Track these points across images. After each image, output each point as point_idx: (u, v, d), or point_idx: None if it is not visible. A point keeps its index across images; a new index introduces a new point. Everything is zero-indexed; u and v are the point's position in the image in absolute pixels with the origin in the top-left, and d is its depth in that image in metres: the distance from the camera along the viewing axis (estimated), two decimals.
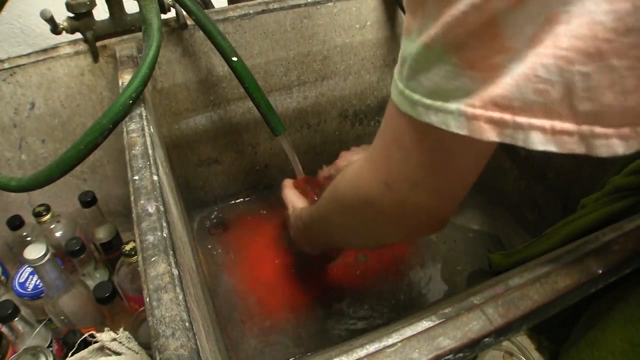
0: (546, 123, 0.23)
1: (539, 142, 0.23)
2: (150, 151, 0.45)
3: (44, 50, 0.62)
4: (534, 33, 0.22)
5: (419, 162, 0.33)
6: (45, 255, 0.52)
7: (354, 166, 0.42)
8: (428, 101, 0.27)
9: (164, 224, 0.37)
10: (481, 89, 0.24)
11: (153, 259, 0.34)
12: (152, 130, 0.49)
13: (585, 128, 0.22)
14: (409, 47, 0.28)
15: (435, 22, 0.25)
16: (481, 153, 0.32)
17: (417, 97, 0.28)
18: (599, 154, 0.23)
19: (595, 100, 0.22)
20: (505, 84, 0.23)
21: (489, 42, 0.23)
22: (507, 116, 0.24)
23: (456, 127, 0.26)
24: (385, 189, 0.36)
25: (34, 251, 0.52)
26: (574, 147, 0.23)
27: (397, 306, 0.70)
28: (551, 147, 0.23)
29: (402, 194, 0.35)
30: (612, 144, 0.22)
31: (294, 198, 0.69)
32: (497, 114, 0.24)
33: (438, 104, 0.26)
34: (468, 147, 0.31)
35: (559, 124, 0.23)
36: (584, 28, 0.20)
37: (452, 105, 0.26)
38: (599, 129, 0.22)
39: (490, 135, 0.24)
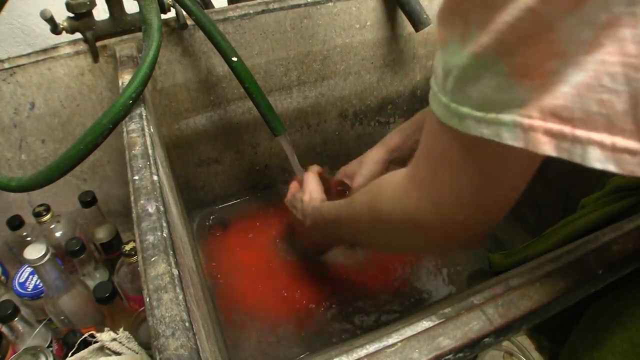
0: (607, 138, 0.21)
1: (597, 160, 0.22)
2: (150, 151, 0.45)
3: (44, 50, 0.62)
4: (593, 37, 0.20)
5: (468, 179, 0.32)
6: (45, 255, 0.52)
7: (394, 184, 0.40)
8: (479, 114, 0.26)
9: (164, 224, 0.37)
10: (537, 99, 0.23)
11: (153, 259, 0.34)
12: (152, 130, 0.49)
13: None
14: (452, 58, 0.27)
15: (483, 30, 0.24)
16: (531, 166, 0.31)
17: (465, 110, 0.26)
18: None
19: None
20: (565, 93, 0.22)
21: (544, 47, 0.22)
22: (567, 129, 0.22)
23: (511, 139, 0.24)
24: (433, 208, 0.35)
25: (34, 251, 0.52)
26: (636, 168, 0.21)
27: (397, 306, 0.70)
28: (610, 167, 0.21)
29: (451, 212, 0.34)
30: None
31: (315, 187, 0.67)
32: (556, 126, 0.22)
33: (490, 116, 0.25)
34: (519, 160, 0.29)
35: (621, 141, 0.21)
36: None
37: (506, 117, 0.24)
38: None
39: (547, 148, 0.23)
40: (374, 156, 0.72)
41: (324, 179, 0.71)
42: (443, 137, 0.31)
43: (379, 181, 0.45)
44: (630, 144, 0.21)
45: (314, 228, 0.63)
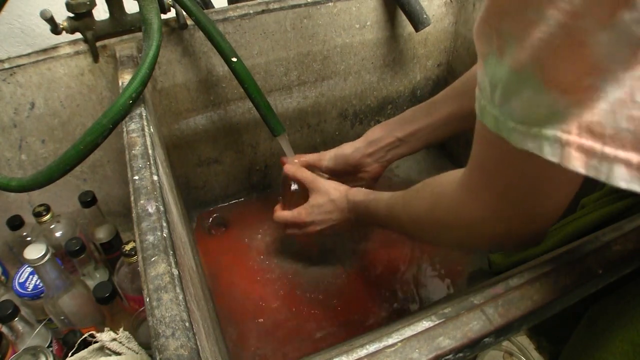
0: (633, 157, 0.21)
1: (622, 179, 0.21)
2: (150, 151, 0.45)
3: (44, 50, 0.62)
4: (630, 53, 0.20)
5: (520, 190, 0.32)
6: (45, 255, 0.52)
7: (450, 192, 0.41)
8: (523, 128, 0.26)
9: (164, 224, 0.37)
10: (577, 114, 0.23)
11: (153, 259, 0.34)
12: (152, 130, 0.49)
13: None
14: (495, 72, 0.27)
15: (519, 44, 0.24)
16: (576, 180, 0.31)
17: (512, 124, 0.27)
18: None
19: None
20: (600, 109, 0.22)
21: (579, 62, 0.22)
22: (597, 145, 0.22)
23: (550, 154, 0.24)
24: (492, 219, 0.36)
25: (34, 251, 0.52)
26: None
27: (398, 306, 0.70)
28: (635, 186, 0.21)
29: (508, 222, 0.35)
30: None
31: (329, 182, 0.67)
32: (589, 142, 0.22)
33: (534, 130, 0.25)
34: (564, 174, 0.29)
35: None
36: None
37: (549, 132, 0.24)
38: None
39: (578, 164, 0.23)
40: (353, 143, 0.71)
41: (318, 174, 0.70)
42: (497, 149, 0.31)
43: (434, 187, 0.46)
44: None
45: (360, 221, 0.63)
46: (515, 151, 0.27)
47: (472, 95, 0.31)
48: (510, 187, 0.33)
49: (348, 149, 0.71)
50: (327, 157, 0.72)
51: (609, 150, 0.22)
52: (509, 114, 0.27)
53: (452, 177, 0.42)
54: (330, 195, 0.65)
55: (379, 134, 0.69)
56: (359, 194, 0.62)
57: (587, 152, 0.22)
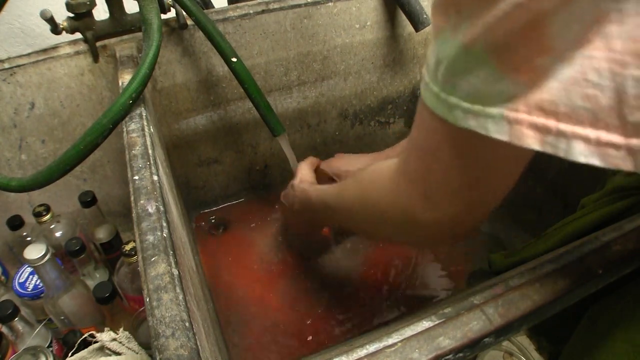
0: (591, 133, 0.21)
1: (581, 154, 0.22)
2: (150, 151, 0.45)
3: (44, 50, 0.62)
4: (582, 33, 0.20)
5: (459, 172, 0.31)
6: (45, 255, 0.52)
7: (384, 177, 0.40)
8: (466, 104, 0.26)
9: (164, 224, 0.37)
10: (525, 93, 0.23)
11: (153, 259, 0.34)
12: (152, 130, 0.49)
13: (634, 142, 0.21)
14: (443, 48, 0.26)
15: (472, 22, 0.24)
16: (521, 160, 0.31)
17: (454, 100, 0.26)
18: None
19: None
20: (552, 88, 0.22)
21: (533, 43, 0.22)
22: (551, 122, 0.22)
23: (496, 132, 0.24)
24: (424, 203, 0.34)
25: (34, 251, 0.52)
26: (619, 162, 0.21)
27: (398, 306, 0.70)
28: (594, 160, 0.22)
29: (443, 207, 0.34)
30: None
31: (306, 172, 0.68)
32: (541, 120, 0.22)
33: (477, 107, 0.25)
34: (508, 154, 0.29)
35: (605, 135, 0.21)
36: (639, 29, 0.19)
37: (494, 110, 0.24)
38: None
39: (532, 142, 0.23)
40: (369, 161, 0.72)
41: (318, 170, 0.72)
42: (435, 131, 0.30)
43: (368, 174, 0.44)
44: (614, 138, 0.21)
45: (302, 210, 0.63)
46: (456, 131, 0.27)
47: None
48: (448, 170, 0.32)
49: (368, 164, 0.73)
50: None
51: (565, 127, 0.22)
52: (453, 91, 0.26)
53: (388, 163, 0.40)
54: (294, 180, 0.67)
55: (392, 154, 0.70)
56: (313, 186, 0.63)
57: (541, 130, 0.23)
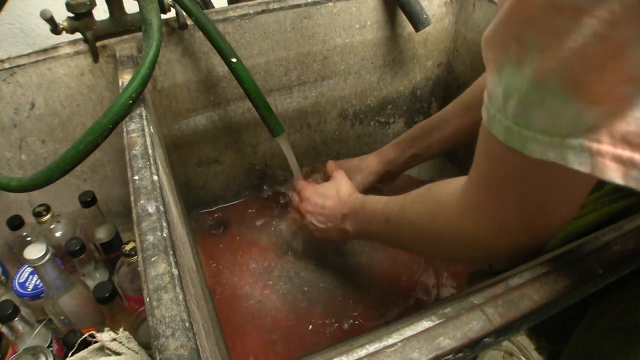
0: None
1: None
2: (150, 151, 0.45)
3: (44, 50, 0.62)
4: None
5: (531, 202, 0.31)
6: (45, 255, 0.52)
7: (452, 201, 0.39)
8: (544, 137, 0.25)
9: (164, 224, 0.37)
10: (608, 123, 0.22)
11: (153, 259, 0.34)
12: (152, 130, 0.49)
13: None
14: (513, 82, 0.26)
15: (543, 55, 0.23)
16: (588, 189, 0.31)
17: (529, 133, 0.26)
18: None
19: None
20: (635, 118, 0.21)
21: (613, 73, 0.21)
22: (637, 156, 0.21)
23: (577, 163, 0.24)
24: (498, 233, 0.35)
25: (34, 251, 0.52)
26: None
27: (398, 306, 0.70)
28: None
29: (513, 233, 0.34)
30: None
31: (347, 180, 0.67)
32: (627, 153, 0.22)
33: (556, 140, 0.24)
34: (580, 184, 0.29)
35: None
36: None
37: (574, 141, 0.23)
38: None
39: (614, 175, 0.22)
40: (370, 166, 0.74)
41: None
42: (506, 161, 0.30)
43: (435, 194, 0.44)
44: None
45: (349, 217, 0.61)
46: (528, 162, 0.27)
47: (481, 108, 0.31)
48: (518, 200, 0.32)
49: (368, 177, 0.74)
50: (356, 177, 0.75)
51: None
52: (525, 124, 0.26)
53: (455, 185, 0.41)
54: (339, 185, 0.66)
55: (393, 154, 0.72)
56: (364, 195, 0.62)
57: (626, 163, 0.22)
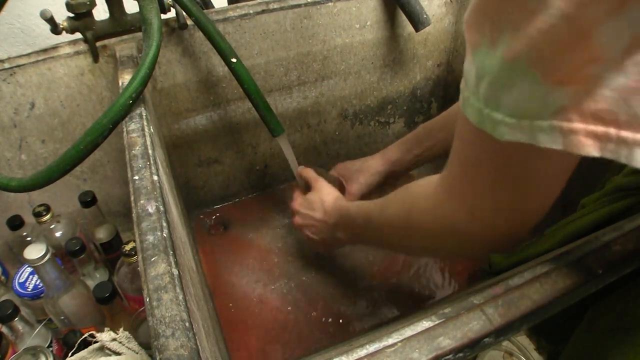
0: None
1: None
2: (150, 151, 0.45)
3: (44, 50, 0.62)
4: (632, 40, 0.20)
5: (502, 185, 0.31)
6: (45, 255, 0.52)
7: (427, 194, 0.40)
8: (512, 120, 0.25)
9: (164, 224, 0.37)
10: (577, 103, 0.23)
11: (153, 259, 0.34)
12: (152, 130, 0.49)
13: None
14: (483, 63, 0.26)
15: (512, 36, 0.23)
16: (567, 168, 0.31)
17: (499, 116, 0.26)
18: None
19: None
20: (607, 97, 0.22)
21: (580, 53, 0.22)
22: (612, 130, 0.22)
23: (549, 141, 0.24)
24: (470, 217, 0.35)
25: (34, 251, 0.52)
26: None
27: (398, 306, 0.70)
28: None
29: (489, 220, 0.34)
30: None
31: (330, 186, 0.67)
32: (600, 128, 0.22)
33: (524, 122, 0.25)
34: (555, 163, 0.29)
35: None
36: None
37: (543, 123, 0.24)
38: None
39: (591, 149, 0.23)
40: (373, 167, 0.74)
41: (323, 176, 0.72)
42: (478, 145, 0.31)
43: (411, 190, 0.45)
44: None
45: (338, 226, 0.62)
46: (500, 145, 0.27)
47: None
48: (492, 183, 0.32)
49: (371, 177, 0.73)
50: (359, 179, 0.75)
51: (627, 134, 0.22)
52: (495, 106, 0.26)
53: (431, 179, 0.41)
54: (322, 195, 0.66)
55: (398, 154, 0.72)
56: (348, 202, 0.62)
57: (601, 138, 0.23)
